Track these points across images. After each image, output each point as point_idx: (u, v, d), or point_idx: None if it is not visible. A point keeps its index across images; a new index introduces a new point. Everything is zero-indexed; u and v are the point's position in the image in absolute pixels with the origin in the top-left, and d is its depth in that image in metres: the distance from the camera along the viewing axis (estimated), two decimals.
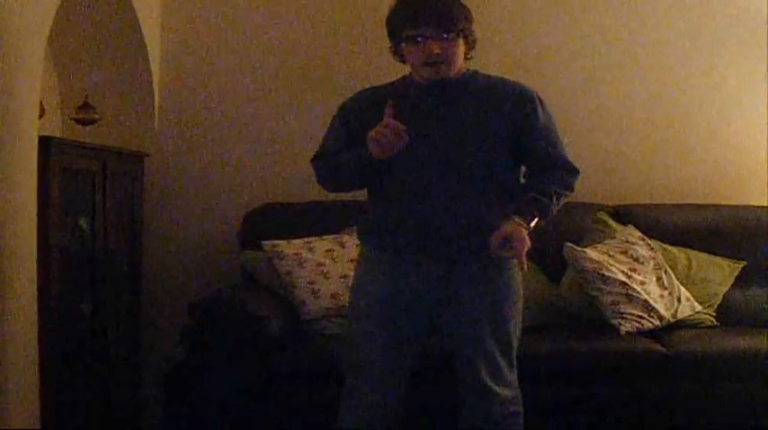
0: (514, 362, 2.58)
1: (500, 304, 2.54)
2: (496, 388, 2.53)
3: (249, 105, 4.15)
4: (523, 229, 2.42)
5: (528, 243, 2.42)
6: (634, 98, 4.23)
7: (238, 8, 4.15)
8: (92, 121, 3.73)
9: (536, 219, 2.48)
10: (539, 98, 2.56)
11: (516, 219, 2.44)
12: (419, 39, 2.44)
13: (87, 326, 3.37)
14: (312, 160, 2.66)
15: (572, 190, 2.57)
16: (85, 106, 3.72)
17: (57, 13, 3.05)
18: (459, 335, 2.54)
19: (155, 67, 4.04)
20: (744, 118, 4.22)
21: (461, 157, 2.47)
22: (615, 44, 4.22)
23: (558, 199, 2.53)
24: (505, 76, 2.63)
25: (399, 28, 2.48)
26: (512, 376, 2.58)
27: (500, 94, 2.54)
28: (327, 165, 2.61)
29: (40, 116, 3.07)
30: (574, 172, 2.57)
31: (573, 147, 4.13)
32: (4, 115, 2.66)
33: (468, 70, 2.58)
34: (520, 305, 2.59)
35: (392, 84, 2.62)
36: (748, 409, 3.23)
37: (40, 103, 3.03)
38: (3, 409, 2.66)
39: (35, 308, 2.87)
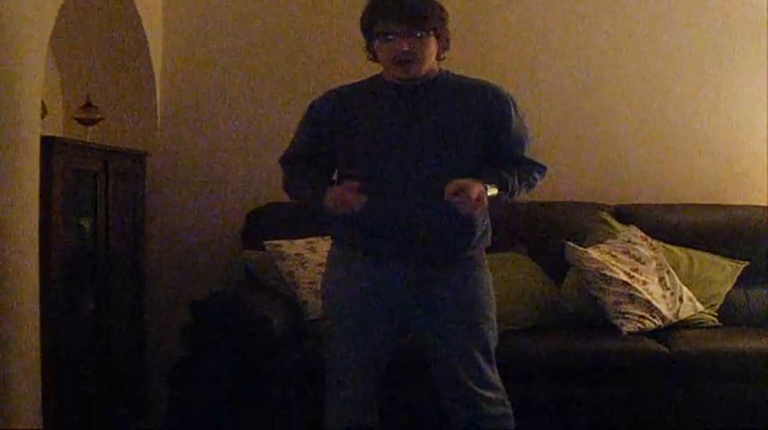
0: (494, 363, 2.56)
1: (475, 305, 2.53)
2: (480, 390, 2.52)
3: (251, 104, 4.15)
4: (481, 186, 2.37)
5: (483, 200, 2.36)
6: (636, 99, 4.22)
7: (240, 8, 4.15)
8: (94, 121, 3.73)
9: (496, 190, 2.42)
10: (513, 101, 2.55)
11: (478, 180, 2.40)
12: (389, 36, 2.41)
13: (90, 325, 3.38)
14: (280, 161, 2.66)
15: (536, 180, 2.57)
16: (88, 106, 3.72)
17: (59, 12, 3.06)
18: (435, 337, 2.53)
19: (157, 67, 4.04)
20: (744, 118, 4.21)
21: (435, 159, 2.45)
22: (616, 45, 4.22)
23: (519, 182, 2.50)
24: (478, 77, 2.61)
25: (370, 25, 2.46)
26: (494, 377, 2.56)
27: (474, 94, 2.52)
28: (291, 179, 2.62)
29: (43, 116, 3.07)
30: (540, 167, 2.58)
31: (574, 147, 4.21)
32: (7, 115, 2.66)
33: (441, 70, 2.54)
34: (493, 304, 2.58)
35: (362, 83, 2.59)
36: (750, 409, 3.23)
37: (43, 102, 3.03)
38: (5, 408, 2.67)
39: (38, 307, 2.87)
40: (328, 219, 2.58)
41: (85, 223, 3.33)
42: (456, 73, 2.58)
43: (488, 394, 2.53)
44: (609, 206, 3.98)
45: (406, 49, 2.40)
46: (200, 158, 4.15)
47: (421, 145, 2.46)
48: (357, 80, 2.62)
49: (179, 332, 3.30)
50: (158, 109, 4.09)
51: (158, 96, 4.08)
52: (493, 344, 2.56)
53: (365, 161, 2.47)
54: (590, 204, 3.96)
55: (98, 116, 3.73)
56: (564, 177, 4.16)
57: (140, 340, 3.92)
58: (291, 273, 3.51)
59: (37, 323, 2.86)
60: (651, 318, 3.49)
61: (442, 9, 2.47)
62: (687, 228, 3.89)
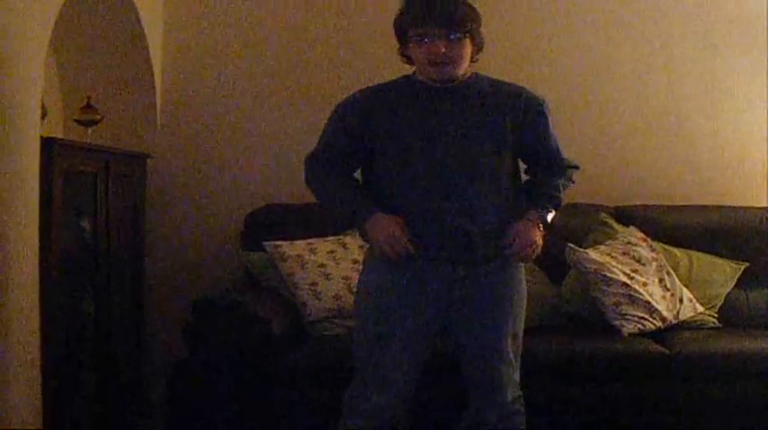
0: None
1: (512, 305, 2.57)
2: (508, 387, 2.56)
3: (251, 106, 4.15)
4: (534, 228, 2.50)
5: (538, 241, 2.50)
6: (636, 99, 4.23)
7: (240, 9, 4.15)
8: (94, 122, 3.73)
9: (552, 214, 2.56)
10: (546, 104, 2.61)
11: (531, 216, 2.52)
12: (425, 39, 2.43)
13: (90, 326, 3.37)
14: (308, 158, 2.64)
15: (574, 182, 2.70)
16: (88, 107, 3.72)
17: (59, 13, 3.06)
18: (474, 335, 2.54)
19: (157, 68, 4.04)
20: (744, 118, 4.22)
21: (472, 160, 2.47)
22: (616, 45, 4.22)
23: (564, 189, 2.63)
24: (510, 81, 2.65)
25: (406, 28, 2.48)
26: (517, 376, 2.61)
27: (508, 98, 2.55)
28: (322, 184, 2.60)
29: (43, 117, 3.07)
30: (575, 168, 2.68)
31: (575, 147, 4.14)
32: (7, 116, 2.66)
33: (474, 73, 2.57)
34: (525, 305, 2.63)
35: (392, 83, 2.60)
36: (750, 410, 3.23)
37: (43, 103, 3.03)
38: (5, 409, 2.67)
39: (38, 308, 2.87)
40: (358, 230, 2.60)
41: (85, 223, 3.33)
42: (488, 75, 2.60)
43: (512, 391, 2.58)
44: (609, 207, 3.98)
45: (443, 51, 2.42)
46: (200, 159, 4.15)
47: (456, 146, 2.47)
48: (384, 81, 2.62)
49: (179, 332, 3.30)
50: (158, 110, 4.09)
51: (158, 98, 4.08)
52: (521, 343, 2.62)
53: (400, 162, 2.48)
54: (590, 205, 3.96)
55: (98, 117, 3.73)
56: None
57: (140, 340, 3.92)
58: (291, 274, 3.51)
59: (37, 323, 2.86)
60: (651, 319, 3.49)
61: (475, 11, 2.49)
62: (687, 229, 3.89)
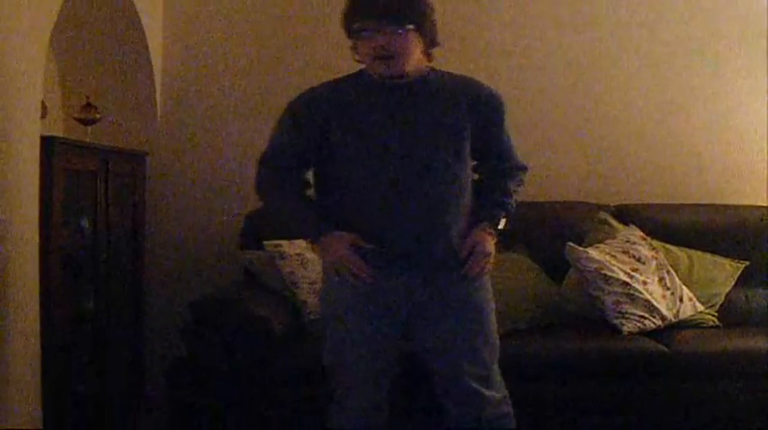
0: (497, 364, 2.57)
1: (480, 304, 2.52)
2: (486, 391, 2.51)
3: (251, 105, 4.15)
4: (489, 238, 2.47)
5: (492, 253, 2.47)
6: (636, 98, 4.23)
7: (240, 9, 4.16)
8: (94, 121, 3.73)
9: (504, 221, 2.53)
10: (503, 100, 2.54)
11: (484, 226, 2.48)
12: (365, 32, 2.37)
13: (89, 325, 3.37)
14: (261, 162, 2.57)
15: (524, 185, 2.65)
16: (87, 106, 3.72)
17: (59, 12, 3.06)
18: (440, 339, 2.49)
19: (156, 67, 4.04)
20: (744, 118, 4.22)
21: (429, 159, 2.41)
22: (616, 45, 4.22)
23: (516, 196, 2.59)
24: (470, 75, 2.58)
25: (350, 23, 2.42)
26: (499, 376, 2.56)
27: (466, 93, 2.48)
28: (274, 191, 2.56)
29: (43, 116, 3.07)
30: (525, 170, 2.64)
31: (575, 147, 4.22)
32: (7, 115, 2.66)
33: (430, 68, 2.50)
34: (494, 303, 2.57)
35: (346, 79, 2.52)
36: (750, 409, 3.22)
37: (42, 102, 3.03)
38: (5, 408, 2.67)
39: (37, 307, 2.87)
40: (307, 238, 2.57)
41: (85, 223, 3.33)
42: (445, 71, 2.53)
43: (492, 394, 2.52)
44: (609, 206, 3.99)
45: (383, 44, 2.36)
46: (199, 158, 4.15)
47: (415, 144, 2.41)
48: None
49: (179, 332, 3.30)
50: (158, 109, 4.09)
51: (158, 97, 4.08)
52: (497, 344, 2.56)
53: (356, 162, 2.41)
54: (590, 204, 3.97)
55: (98, 116, 3.73)
56: (564, 177, 4.17)
57: (140, 340, 3.92)
58: (291, 273, 3.51)
59: (37, 323, 2.86)
60: (651, 317, 3.49)
61: (421, 2, 2.42)
62: (687, 228, 3.90)
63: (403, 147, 2.40)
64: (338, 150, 2.44)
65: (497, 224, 2.52)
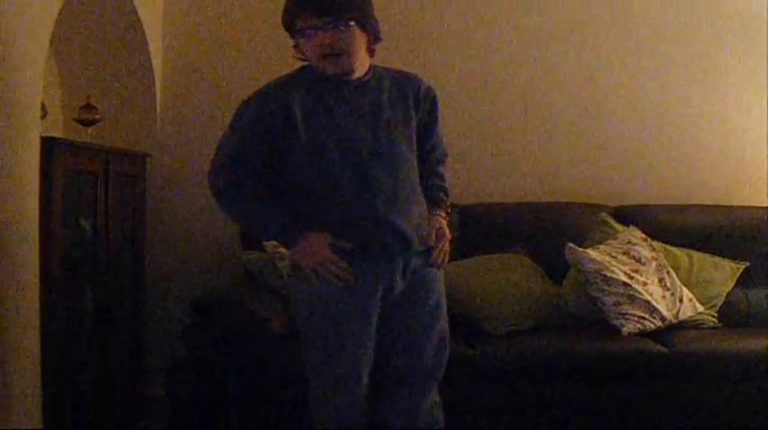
0: None
1: (441, 300, 2.54)
2: (425, 406, 2.53)
3: None
4: (445, 222, 2.55)
5: (449, 236, 2.54)
6: (636, 99, 4.23)
7: (240, 9, 4.16)
8: (94, 122, 3.73)
9: (449, 207, 2.61)
10: (436, 93, 2.60)
11: (438, 213, 2.56)
12: (309, 31, 2.36)
13: (89, 325, 3.37)
14: (217, 170, 2.50)
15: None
16: (88, 107, 3.72)
17: (59, 13, 3.06)
18: (409, 334, 2.50)
19: (157, 68, 4.04)
20: (744, 118, 4.22)
21: (390, 152, 2.42)
22: (616, 46, 4.22)
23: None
24: (404, 69, 2.60)
25: (291, 22, 2.40)
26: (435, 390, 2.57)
27: (409, 87, 2.52)
28: (235, 200, 2.52)
29: (43, 116, 3.08)
30: (448, 156, 2.71)
31: (575, 148, 4.21)
32: (7, 115, 2.66)
33: (371, 65, 2.49)
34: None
35: (294, 78, 2.50)
36: (750, 410, 3.22)
37: (43, 103, 3.03)
38: (5, 408, 2.67)
39: (38, 307, 2.87)
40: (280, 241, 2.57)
41: (85, 224, 3.33)
42: (383, 66, 2.54)
43: (430, 408, 2.55)
44: (609, 207, 3.99)
45: (329, 42, 2.34)
46: (199, 159, 4.12)
47: (379, 140, 2.42)
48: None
49: (179, 332, 3.30)
50: (158, 110, 4.09)
51: (158, 97, 4.08)
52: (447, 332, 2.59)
53: (319, 161, 2.39)
54: (590, 205, 3.97)
55: (98, 117, 3.74)
56: (564, 177, 4.17)
57: (140, 340, 3.92)
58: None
59: (37, 323, 2.86)
60: (651, 318, 3.49)
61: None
62: (687, 229, 3.89)
63: (369, 143, 2.41)
64: (306, 150, 2.41)
65: (447, 208, 2.60)
